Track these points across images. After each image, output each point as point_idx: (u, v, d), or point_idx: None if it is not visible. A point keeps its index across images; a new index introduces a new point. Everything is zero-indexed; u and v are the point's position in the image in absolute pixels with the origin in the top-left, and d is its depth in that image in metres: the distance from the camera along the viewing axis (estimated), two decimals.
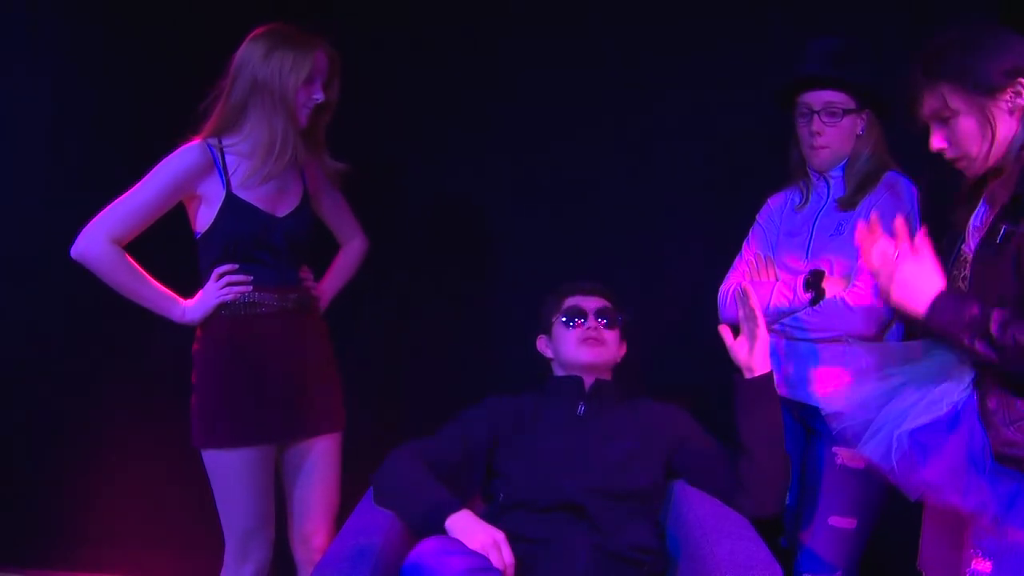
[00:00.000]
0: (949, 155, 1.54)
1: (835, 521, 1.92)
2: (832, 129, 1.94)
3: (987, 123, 1.49)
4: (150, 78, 2.68)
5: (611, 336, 2.01)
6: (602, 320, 2.00)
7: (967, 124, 1.50)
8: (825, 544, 1.94)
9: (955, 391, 1.52)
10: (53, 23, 2.75)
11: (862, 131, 1.96)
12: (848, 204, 1.96)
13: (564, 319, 2.01)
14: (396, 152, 2.63)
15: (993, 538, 1.46)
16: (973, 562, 1.49)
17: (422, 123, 2.64)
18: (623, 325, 2.05)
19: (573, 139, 2.59)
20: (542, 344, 2.08)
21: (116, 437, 2.76)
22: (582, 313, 2.00)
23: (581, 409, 1.96)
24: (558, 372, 2.04)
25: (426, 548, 1.51)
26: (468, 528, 1.58)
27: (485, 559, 1.52)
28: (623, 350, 2.06)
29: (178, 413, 2.32)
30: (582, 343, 1.98)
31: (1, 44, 2.77)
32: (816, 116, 1.95)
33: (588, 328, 1.99)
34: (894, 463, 1.50)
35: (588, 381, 1.99)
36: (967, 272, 1.54)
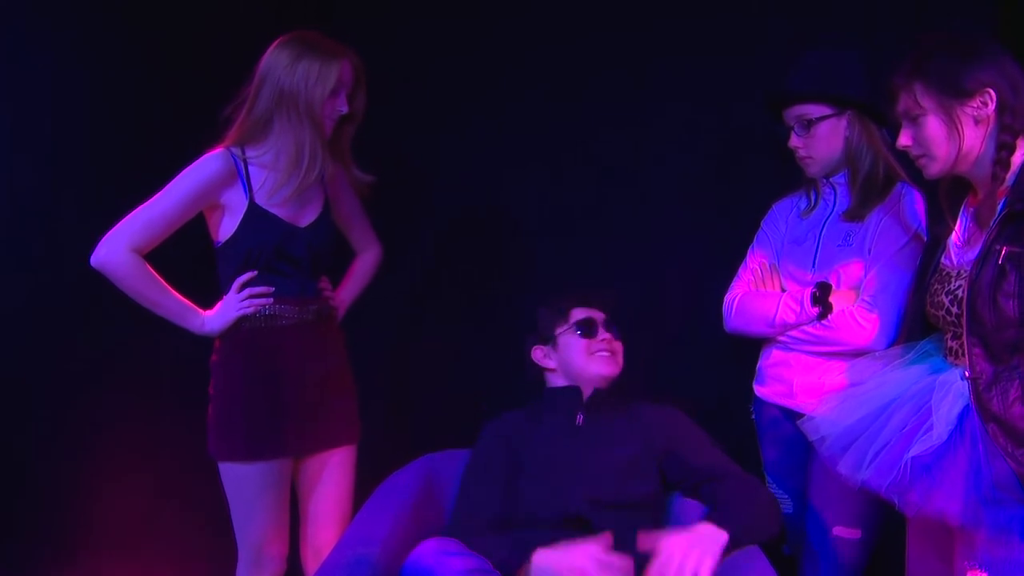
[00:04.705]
0: (914, 153, 1.59)
1: (840, 532, 1.91)
2: (809, 140, 1.94)
3: (954, 127, 1.52)
4: (150, 78, 2.63)
5: (620, 348, 2.02)
6: (611, 332, 2.01)
7: (933, 124, 1.53)
8: (831, 554, 1.93)
9: (951, 408, 1.53)
10: (53, 19, 2.70)
11: (848, 133, 1.94)
12: (855, 216, 1.94)
13: (577, 331, 2.00)
14: (403, 160, 2.61)
15: (987, 549, 1.47)
16: (968, 574, 1.50)
17: (425, 129, 2.62)
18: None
19: (575, 143, 2.59)
20: (539, 355, 2.04)
21: (116, 445, 2.69)
22: (593, 324, 2.01)
23: (580, 419, 1.95)
24: (556, 382, 2.02)
25: (426, 549, 1.51)
26: (559, 552, 1.55)
27: (485, 560, 1.52)
28: None
29: (177, 421, 2.30)
30: (595, 356, 1.98)
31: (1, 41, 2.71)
32: (793, 131, 1.96)
33: (601, 340, 1.99)
34: (897, 488, 1.52)
35: (587, 392, 1.99)
36: (961, 292, 1.55)
